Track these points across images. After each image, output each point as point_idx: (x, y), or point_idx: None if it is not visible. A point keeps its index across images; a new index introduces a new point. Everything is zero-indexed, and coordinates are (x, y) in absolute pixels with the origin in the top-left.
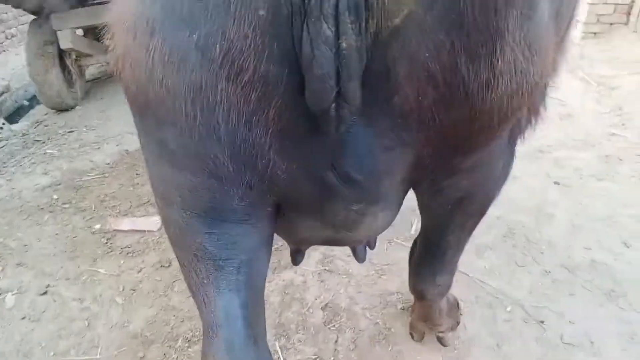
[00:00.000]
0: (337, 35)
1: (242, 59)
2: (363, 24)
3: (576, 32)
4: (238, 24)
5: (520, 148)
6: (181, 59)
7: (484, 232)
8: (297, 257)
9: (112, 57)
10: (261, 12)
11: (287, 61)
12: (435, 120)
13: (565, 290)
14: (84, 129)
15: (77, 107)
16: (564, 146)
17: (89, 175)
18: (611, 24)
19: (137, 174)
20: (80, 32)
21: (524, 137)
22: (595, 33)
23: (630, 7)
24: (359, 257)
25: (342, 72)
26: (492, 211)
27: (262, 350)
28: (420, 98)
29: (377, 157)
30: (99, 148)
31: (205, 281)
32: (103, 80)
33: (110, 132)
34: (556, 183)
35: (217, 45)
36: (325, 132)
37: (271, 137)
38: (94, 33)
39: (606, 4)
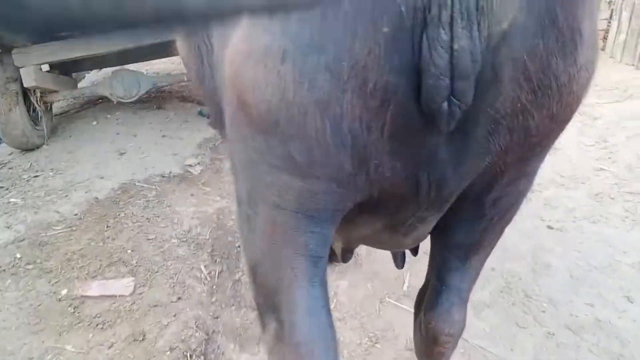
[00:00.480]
0: (452, 38)
1: (367, 72)
2: (475, 28)
3: None
4: (363, 42)
5: None
6: (311, 79)
7: (480, 288)
8: (347, 255)
9: (232, 88)
10: (385, 30)
11: (405, 69)
12: (524, 125)
13: (572, 355)
14: (51, 173)
15: (44, 146)
16: (553, 183)
17: (55, 229)
18: None
19: (107, 227)
20: (46, 66)
21: None
22: None
23: (607, 32)
24: (399, 263)
25: (455, 71)
26: (487, 262)
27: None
28: (518, 100)
29: (466, 164)
30: (66, 196)
31: (298, 276)
32: (72, 114)
33: (79, 176)
34: (550, 227)
35: (345, 63)
36: (436, 131)
37: (385, 141)
38: (61, 67)
39: None
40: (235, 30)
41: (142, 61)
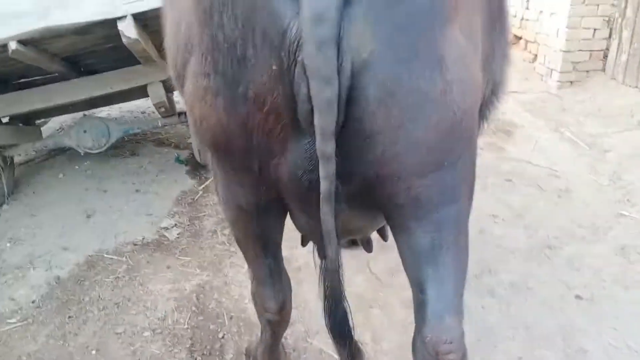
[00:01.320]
0: (313, 71)
1: (262, 95)
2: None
3: (552, 82)
4: (261, 75)
5: (524, 241)
6: (234, 105)
7: None
8: (304, 241)
9: (190, 119)
10: (274, 67)
11: (288, 94)
12: (405, 138)
13: None
14: (8, 244)
15: (4, 207)
16: (572, 237)
17: (9, 323)
18: (587, 71)
19: (69, 317)
20: (5, 119)
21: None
22: (571, 82)
23: (606, 53)
24: (368, 248)
25: (314, 99)
26: (510, 345)
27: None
28: (390, 117)
29: (346, 169)
30: (23, 276)
31: (249, 246)
32: (37, 163)
33: (40, 247)
34: (578, 297)
35: (252, 90)
36: (311, 133)
37: (279, 145)
38: (22, 116)
39: (581, 50)
40: (187, 74)
41: (113, 104)
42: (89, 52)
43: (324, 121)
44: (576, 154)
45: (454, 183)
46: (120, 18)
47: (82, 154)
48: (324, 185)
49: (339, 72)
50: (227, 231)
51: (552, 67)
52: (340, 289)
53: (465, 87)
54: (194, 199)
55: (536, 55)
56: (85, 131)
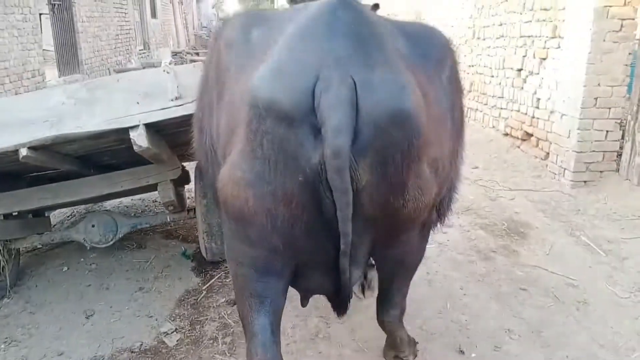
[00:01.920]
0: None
1: (292, 196)
2: (348, 185)
3: (566, 181)
4: (291, 182)
5: None
6: (261, 197)
7: None
8: (304, 301)
9: (220, 194)
10: (300, 178)
11: (313, 198)
12: (382, 222)
13: None
14: (3, 345)
15: (5, 300)
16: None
17: None
18: (601, 171)
19: None
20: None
21: (433, 229)
22: (585, 182)
23: (619, 153)
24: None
25: (336, 203)
26: None
27: (279, 349)
28: (376, 212)
29: (357, 241)
30: None
31: (253, 308)
32: (43, 252)
33: (35, 351)
34: None
35: (280, 191)
36: (333, 226)
37: (303, 231)
38: (32, 210)
39: (594, 151)
40: (224, 163)
41: (124, 196)
42: (102, 152)
43: (345, 213)
44: (593, 261)
45: (412, 245)
46: (132, 127)
47: (88, 248)
48: (344, 247)
49: (352, 186)
50: (228, 339)
51: (564, 167)
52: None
53: (418, 202)
54: (197, 299)
55: (548, 154)
56: (93, 225)
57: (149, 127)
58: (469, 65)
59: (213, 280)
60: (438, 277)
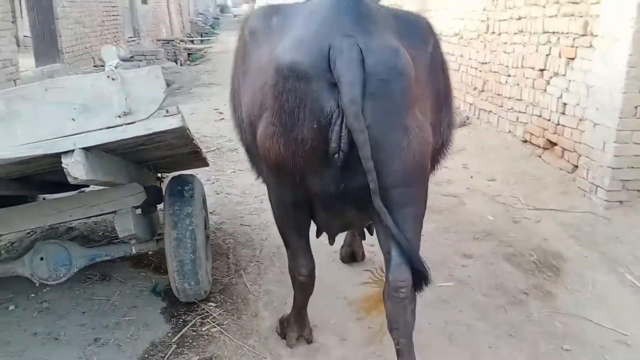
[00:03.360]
0: (341, 130)
1: (308, 140)
2: (364, 123)
3: (598, 200)
4: (308, 128)
5: None
6: (288, 143)
7: None
8: (318, 233)
9: (260, 150)
10: (315, 125)
11: (324, 137)
12: (387, 162)
13: None
14: None
15: None
16: None
17: None
18: (639, 190)
19: None
20: None
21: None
22: (621, 202)
23: None
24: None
25: (340, 143)
26: None
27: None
28: (380, 153)
29: (357, 181)
30: None
31: (289, 232)
32: None
33: None
34: None
35: (300, 136)
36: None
37: (316, 166)
38: None
39: (632, 168)
40: (259, 127)
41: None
42: (43, 172)
43: (365, 153)
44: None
45: (415, 194)
46: (65, 152)
47: (37, 285)
48: (372, 186)
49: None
50: None
51: (597, 184)
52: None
53: (420, 142)
54: (164, 357)
55: (576, 167)
56: (41, 258)
57: (90, 150)
58: (482, 63)
59: (186, 328)
60: (460, 328)
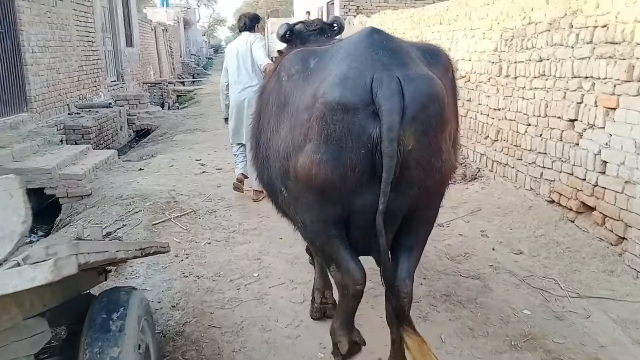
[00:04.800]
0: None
1: (357, 164)
2: (396, 147)
3: None
4: (356, 154)
5: None
6: (336, 169)
7: None
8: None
9: (304, 176)
10: (362, 150)
11: (370, 165)
12: (425, 182)
13: None
14: None
15: None
16: None
17: None
18: None
19: None
20: None
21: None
22: None
23: None
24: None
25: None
26: None
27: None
28: (421, 173)
29: (399, 200)
30: None
31: (336, 245)
32: None
33: None
34: None
35: (348, 162)
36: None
37: (363, 190)
38: None
39: None
40: (299, 156)
41: None
42: None
43: (388, 177)
44: None
45: (433, 216)
46: None
47: None
48: (382, 206)
49: (398, 154)
50: None
51: None
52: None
53: (449, 164)
54: None
55: (622, 238)
56: None
57: None
58: (494, 109)
59: None
60: None
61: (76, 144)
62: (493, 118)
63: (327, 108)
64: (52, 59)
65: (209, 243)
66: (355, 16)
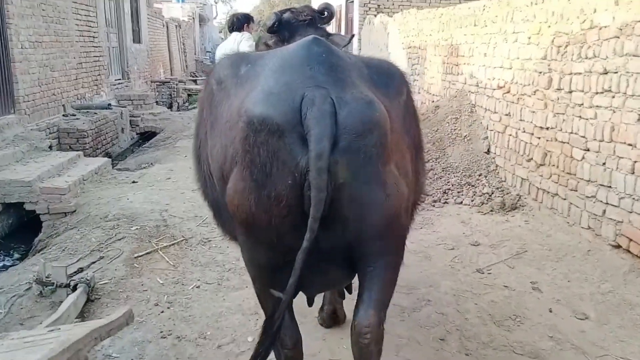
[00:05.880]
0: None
1: (282, 197)
2: (326, 181)
3: None
4: (282, 184)
5: None
6: (260, 200)
7: None
8: (310, 301)
9: (229, 206)
10: (289, 181)
11: (298, 198)
12: (363, 218)
13: None
14: None
15: None
16: None
17: None
18: None
19: None
20: None
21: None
22: None
23: None
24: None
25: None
26: None
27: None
28: (356, 208)
29: (333, 238)
30: None
31: (267, 298)
32: None
33: None
34: None
35: (273, 193)
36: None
37: (289, 228)
38: None
39: None
40: (229, 183)
41: None
42: None
43: (316, 211)
44: None
45: (391, 244)
46: None
47: None
48: (306, 243)
49: (327, 186)
50: None
51: None
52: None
53: (397, 197)
54: None
55: None
56: None
57: None
58: (541, 127)
59: None
60: None
61: (70, 148)
62: (539, 138)
63: (249, 127)
64: (46, 55)
65: (198, 287)
66: (375, 15)
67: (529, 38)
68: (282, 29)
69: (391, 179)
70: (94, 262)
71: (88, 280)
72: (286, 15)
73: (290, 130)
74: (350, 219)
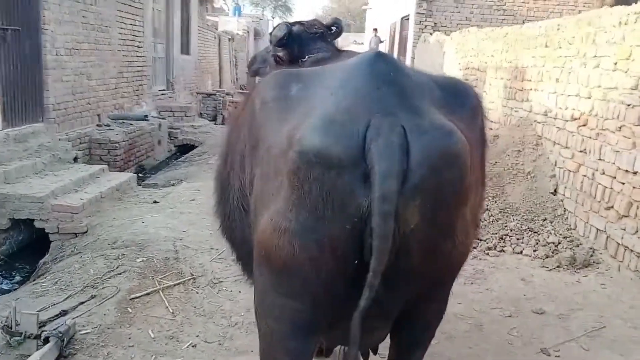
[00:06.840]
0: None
1: (339, 246)
2: (393, 228)
3: None
4: (338, 230)
5: None
6: (308, 247)
7: None
8: (328, 351)
9: (261, 248)
10: (348, 226)
11: (357, 247)
12: (429, 269)
13: None
14: None
15: None
16: None
17: None
18: None
19: None
20: None
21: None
22: None
23: None
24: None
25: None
26: None
27: None
28: (423, 258)
29: (393, 296)
30: None
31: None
32: None
33: None
34: None
35: (327, 240)
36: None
37: (345, 283)
38: None
39: None
40: (263, 217)
41: None
42: None
43: (378, 264)
44: None
45: (445, 292)
46: None
47: None
48: (365, 302)
49: (394, 234)
50: None
51: None
52: None
53: (464, 245)
54: None
55: None
56: None
57: None
58: (625, 170)
59: None
60: None
61: (101, 159)
62: (623, 183)
63: (302, 160)
64: (83, 63)
65: (194, 346)
66: (431, 33)
67: (615, 64)
68: (292, 42)
69: (462, 223)
70: (82, 303)
71: (61, 333)
72: (296, 27)
73: (352, 165)
74: (417, 273)
